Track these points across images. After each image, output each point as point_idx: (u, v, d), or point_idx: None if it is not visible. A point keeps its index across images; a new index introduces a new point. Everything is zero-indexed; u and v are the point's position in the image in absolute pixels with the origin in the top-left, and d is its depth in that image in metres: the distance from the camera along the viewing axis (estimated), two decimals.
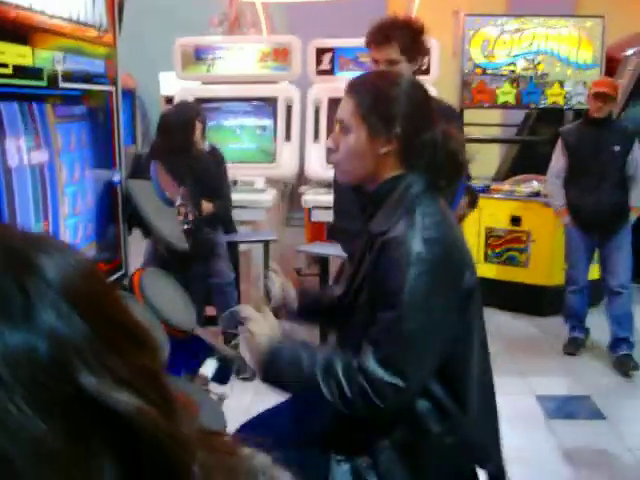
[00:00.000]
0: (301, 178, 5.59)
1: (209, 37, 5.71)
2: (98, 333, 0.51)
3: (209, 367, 1.96)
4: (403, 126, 1.67)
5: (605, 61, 5.65)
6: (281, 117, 5.40)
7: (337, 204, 2.60)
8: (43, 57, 1.75)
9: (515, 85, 5.70)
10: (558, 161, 4.54)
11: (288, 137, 5.42)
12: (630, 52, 6.02)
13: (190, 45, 5.46)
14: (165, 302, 1.91)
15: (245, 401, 3.37)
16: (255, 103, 5.48)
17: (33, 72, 1.72)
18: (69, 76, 1.89)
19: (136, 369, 0.52)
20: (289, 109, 5.40)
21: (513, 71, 5.69)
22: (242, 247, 4.95)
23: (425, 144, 1.68)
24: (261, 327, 1.67)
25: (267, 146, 5.47)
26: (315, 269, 5.94)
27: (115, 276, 1.98)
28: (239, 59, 5.47)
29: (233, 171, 4.63)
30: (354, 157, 1.71)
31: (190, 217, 3.73)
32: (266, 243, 4.70)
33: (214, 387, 2.06)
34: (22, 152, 1.69)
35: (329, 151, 1.79)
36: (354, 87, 1.73)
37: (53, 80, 1.81)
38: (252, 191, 5.09)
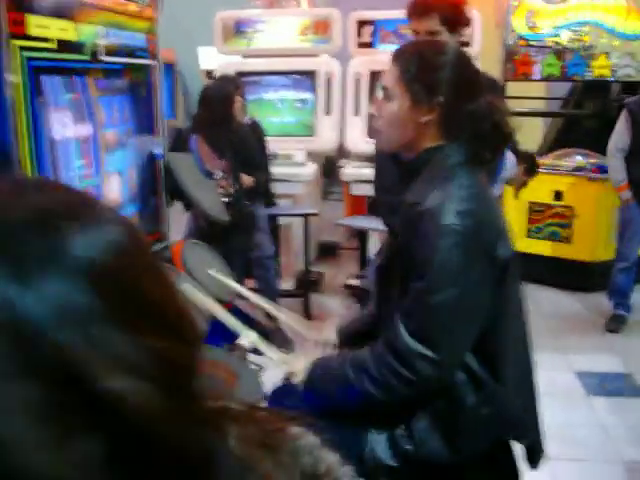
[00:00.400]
0: (341, 152, 5.57)
1: (249, 10, 5.69)
2: (112, 310, 0.50)
3: (247, 338, 1.98)
4: (446, 95, 1.68)
5: None
6: (321, 90, 5.37)
7: (378, 177, 2.60)
8: (86, 32, 1.77)
9: (560, 57, 5.57)
10: (622, 134, 4.40)
11: (328, 111, 5.40)
12: None
13: (231, 19, 5.45)
14: (205, 274, 1.94)
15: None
16: (295, 76, 5.46)
17: (76, 46, 1.74)
18: (111, 50, 1.91)
19: (149, 351, 0.51)
20: (329, 82, 5.36)
21: (557, 43, 5.56)
22: (282, 220, 4.99)
23: (468, 115, 1.69)
24: (298, 364, 1.77)
25: (307, 119, 5.46)
26: (354, 243, 5.95)
27: (157, 248, 2.00)
28: (279, 32, 5.45)
29: (273, 144, 4.64)
30: (396, 124, 1.74)
31: (231, 190, 3.75)
32: (306, 216, 4.71)
33: (253, 358, 2.08)
34: (66, 125, 1.72)
35: (372, 117, 1.82)
36: (400, 55, 1.75)
37: (95, 54, 1.84)
38: (292, 164, 5.09)
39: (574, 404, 3.55)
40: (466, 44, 4.63)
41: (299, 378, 1.74)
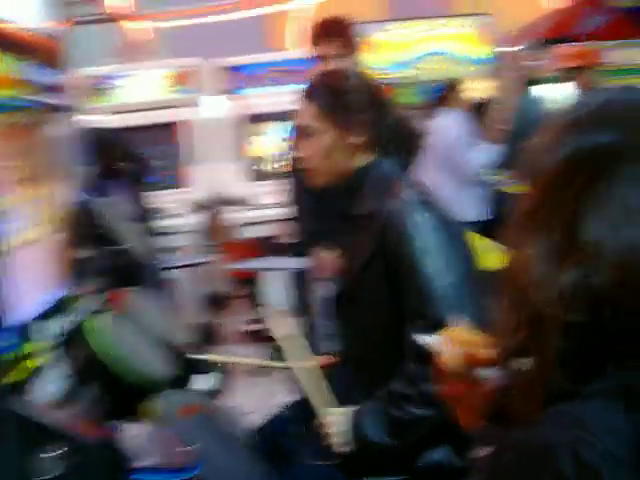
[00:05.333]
0: (218, 199, 5.52)
1: (109, 67, 5.57)
2: None
3: (205, 381, 1.90)
4: (368, 112, 1.78)
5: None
6: (192, 140, 5.33)
7: (301, 210, 2.65)
8: None
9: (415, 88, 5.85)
10: None
11: (201, 159, 5.36)
12: (514, 48, 6.34)
13: (89, 77, 5.30)
14: (154, 319, 1.86)
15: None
16: (164, 129, 5.38)
17: None
18: None
19: None
20: (200, 130, 5.33)
21: (407, 77, 5.83)
22: (169, 275, 4.84)
23: (388, 126, 1.80)
24: (336, 427, 1.69)
25: (181, 170, 5.38)
26: (242, 290, 5.89)
27: (99, 300, 1.89)
28: (143, 86, 5.37)
29: (150, 199, 4.53)
30: (329, 155, 1.79)
31: None
32: (198, 266, 4.61)
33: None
34: None
35: (299, 160, 1.86)
36: (311, 92, 1.84)
37: None
38: (171, 217, 5.00)
39: None
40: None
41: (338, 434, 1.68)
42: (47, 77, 1.79)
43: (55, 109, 1.85)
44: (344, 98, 1.78)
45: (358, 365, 1.76)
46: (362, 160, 1.79)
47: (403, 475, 1.69)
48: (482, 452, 0.82)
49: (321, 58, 2.88)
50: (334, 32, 2.86)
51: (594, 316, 0.67)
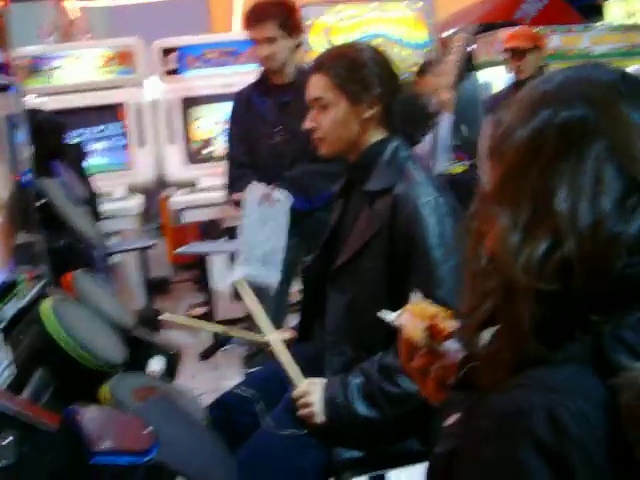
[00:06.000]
0: (159, 183, 5.45)
1: (44, 46, 5.41)
2: None
3: (157, 364, 1.88)
4: (380, 88, 1.76)
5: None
6: (131, 122, 5.24)
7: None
8: None
9: None
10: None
11: (141, 142, 5.27)
12: (452, 31, 6.41)
13: (25, 57, 5.14)
14: (103, 300, 1.83)
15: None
16: (102, 111, 5.27)
17: None
18: None
19: None
20: (138, 113, 5.24)
21: None
22: (113, 259, 4.76)
23: (401, 102, 1.81)
24: (313, 396, 1.69)
25: (121, 154, 5.29)
26: (184, 275, 5.84)
27: (38, 286, 1.84)
28: (80, 66, 5.23)
29: (93, 183, 4.44)
30: (340, 127, 1.77)
31: None
32: (142, 250, 4.55)
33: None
34: None
35: (310, 132, 1.81)
36: (323, 63, 1.80)
37: None
38: (114, 200, 4.91)
39: None
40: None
41: (315, 410, 1.68)
42: None
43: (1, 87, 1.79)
44: (359, 70, 1.75)
45: (340, 339, 1.75)
46: (374, 136, 1.78)
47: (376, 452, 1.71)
48: (449, 419, 0.84)
49: (254, 41, 2.83)
50: (267, 15, 2.79)
51: (564, 283, 0.70)
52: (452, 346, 1.07)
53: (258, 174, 2.86)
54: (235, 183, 2.98)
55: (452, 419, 0.84)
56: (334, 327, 1.76)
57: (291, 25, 2.85)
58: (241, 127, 3.11)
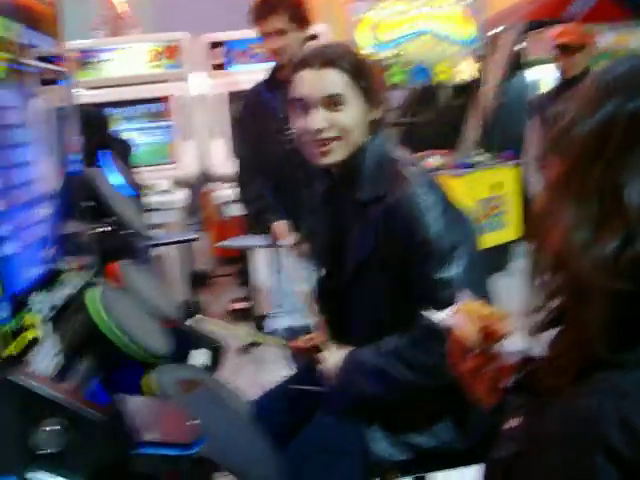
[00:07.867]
0: (204, 177, 5.48)
1: (94, 40, 5.48)
2: None
3: (201, 356, 1.88)
4: (382, 90, 1.75)
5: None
6: (177, 116, 5.27)
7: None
8: None
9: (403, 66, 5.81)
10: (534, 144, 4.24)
11: (187, 136, 5.30)
12: (500, 28, 6.31)
13: (74, 50, 5.21)
14: (149, 291, 1.84)
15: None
16: (150, 104, 5.32)
17: None
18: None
19: None
20: (185, 107, 5.27)
21: (398, 54, 5.80)
22: (156, 251, 4.79)
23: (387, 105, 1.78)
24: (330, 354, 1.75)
25: (166, 147, 5.32)
26: (227, 269, 5.85)
27: (87, 276, 1.85)
28: (129, 60, 5.29)
29: (136, 175, 4.48)
30: (358, 128, 1.67)
31: None
32: (186, 243, 4.58)
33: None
34: None
35: (318, 132, 1.65)
36: (340, 58, 1.66)
37: None
38: (158, 193, 4.95)
39: None
40: (315, 37, 4.66)
41: (329, 368, 1.72)
42: (47, 45, 1.74)
43: (53, 78, 1.80)
44: (368, 69, 1.70)
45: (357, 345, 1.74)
46: (361, 138, 1.68)
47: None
48: (511, 422, 0.81)
49: (264, 34, 2.79)
50: (277, 6, 2.73)
51: (637, 282, 0.67)
52: (507, 348, 1.04)
53: (267, 174, 2.89)
54: (246, 186, 3.20)
55: (513, 423, 0.81)
56: (359, 333, 1.74)
57: (301, 17, 2.79)
58: (250, 126, 3.10)
